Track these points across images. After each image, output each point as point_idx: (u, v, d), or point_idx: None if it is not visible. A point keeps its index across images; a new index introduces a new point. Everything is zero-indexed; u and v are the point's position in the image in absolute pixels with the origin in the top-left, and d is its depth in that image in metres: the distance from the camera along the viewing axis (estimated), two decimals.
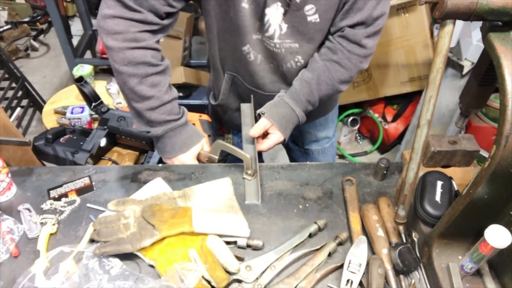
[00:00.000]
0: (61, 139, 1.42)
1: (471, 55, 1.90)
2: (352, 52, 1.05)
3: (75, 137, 1.44)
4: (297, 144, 1.47)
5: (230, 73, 1.19)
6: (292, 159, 1.56)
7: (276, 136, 1.09)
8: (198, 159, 1.11)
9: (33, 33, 3.69)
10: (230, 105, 1.29)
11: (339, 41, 1.05)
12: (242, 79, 1.17)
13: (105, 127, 1.42)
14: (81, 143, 1.41)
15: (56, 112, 1.97)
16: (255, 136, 1.06)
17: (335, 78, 1.08)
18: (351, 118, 2.62)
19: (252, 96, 1.20)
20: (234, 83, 1.21)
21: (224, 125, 1.47)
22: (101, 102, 1.45)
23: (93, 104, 1.42)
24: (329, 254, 0.87)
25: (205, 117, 1.49)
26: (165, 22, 0.95)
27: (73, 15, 3.79)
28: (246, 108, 1.21)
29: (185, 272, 0.79)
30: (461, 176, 0.91)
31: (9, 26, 3.36)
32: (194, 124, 1.38)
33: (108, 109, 1.44)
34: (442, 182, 0.84)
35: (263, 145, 1.09)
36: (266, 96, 1.16)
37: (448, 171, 0.88)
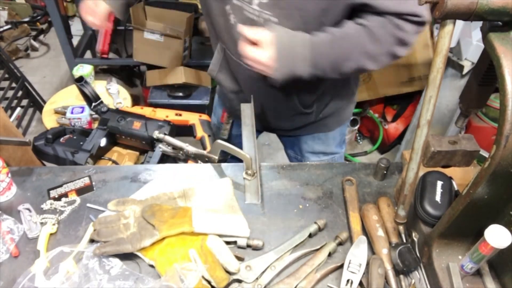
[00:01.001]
0: (61, 139, 1.41)
1: (471, 55, 1.90)
2: (386, 25, 0.89)
3: (75, 137, 1.44)
4: (294, 151, 1.45)
5: (222, 44, 1.16)
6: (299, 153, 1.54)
7: (265, 54, 0.90)
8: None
9: (33, 33, 3.69)
10: (223, 82, 1.25)
11: (371, 18, 0.91)
12: (229, 50, 1.12)
13: (105, 127, 1.41)
14: (81, 143, 1.40)
15: (56, 112, 1.97)
16: (245, 34, 0.92)
17: (363, 45, 0.92)
18: (351, 118, 2.62)
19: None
20: (225, 56, 1.17)
21: (225, 112, 1.45)
22: (101, 102, 1.45)
23: (93, 104, 1.42)
24: (329, 254, 0.87)
25: (205, 117, 1.48)
26: None
27: (73, 15, 3.78)
28: (246, 108, 1.21)
29: (185, 272, 0.79)
30: (461, 176, 0.91)
31: (9, 26, 3.35)
32: (194, 124, 1.38)
33: (108, 109, 1.43)
34: (442, 182, 0.84)
35: (248, 34, 0.92)
36: (254, 73, 1.00)
37: (448, 171, 0.88)
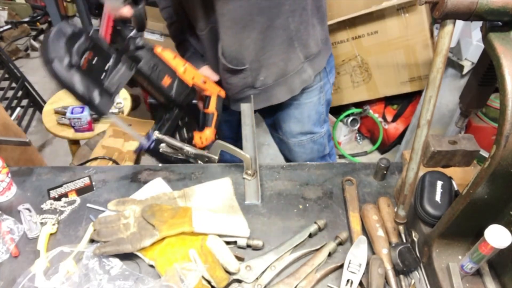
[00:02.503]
0: (82, 59, 0.98)
1: (471, 55, 1.90)
2: None
3: (94, 61, 1.03)
4: (276, 131, 1.47)
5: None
6: (279, 149, 1.58)
7: None
8: None
9: (33, 33, 3.69)
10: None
11: None
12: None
13: (134, 66, 1.10)
14: (102, 75, 1.03)
15: (56, 112, 1.98)
16: None
17: None
18: (351, 118, 2.62)
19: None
20: None
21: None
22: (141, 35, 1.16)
23: (133, 31, 1.09)
24: (329, 254, 0.87)
25: (222, 93, 1.33)
26: None
27: (73, 15, 3.78)
28: (246, 108, 1.21)
29: (185, 272, 0.79)
30: (461, 176, 0.91)
31: (9, 26, 3.36)
32: (210, 96, 1.27)
33: (144, 46, 1.11)
34: (442, 182, 0.84)
35: None
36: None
37: (448, 171, 0.88)
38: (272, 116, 1.41)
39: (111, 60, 1.01)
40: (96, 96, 0.93)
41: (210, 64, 1.27)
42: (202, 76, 1.18)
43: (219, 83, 1.27)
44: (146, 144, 1.13)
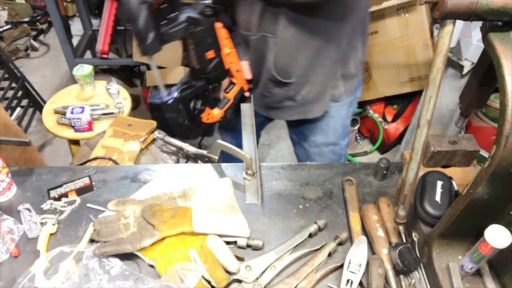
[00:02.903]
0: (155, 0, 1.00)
1: (471, 55, 1.90)
2: None
3: (162, 7, 1.01)
4: (298, 137, 1.48)
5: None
6: (296, 154, 1.57)
7: None
8: None
9: (33, 33, 3.69)
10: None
11: None
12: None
13: (192, 28, 1.09)
14: (163, 22, 1.04)
15: (56, 112, 1.97)
16: None
17: None
18: (351, 118, 2.62)
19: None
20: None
21: None
22: None
23: None
24: (329, 254, 0.87)
25: (246, 87, 1.32)
26: None
27: (73, 15, 3.79)
28: (246, 108, 1.21)
29: (185, 272, 0.79)
30: (461, 176, 0.91)
31: (9, 26, 3.35)
32: (235, 84, 1.28)
33: (209, 16, 1.11)
34: (442, 182, 0.84)
35: None
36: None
37: (448, 171, 0.88)
38: (298, 126, 1.42)
39: (176, 13, 1.06)
40: (150, 36, 0.99)
41: (251, 66, 1.28)
42: (239, 65, 1.21)
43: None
44: (165, 97, 1.16)
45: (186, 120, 1.17)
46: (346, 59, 1.21)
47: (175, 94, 1.14)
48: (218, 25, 1.13)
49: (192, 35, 1.11)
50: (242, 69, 1.26)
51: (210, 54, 1.15)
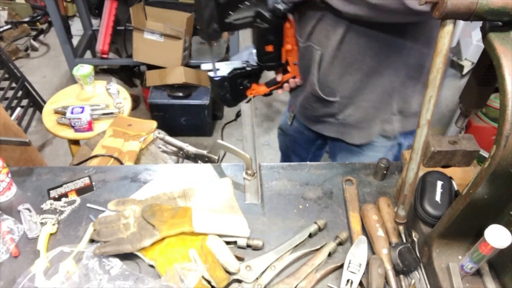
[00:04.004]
0: None
1: (471, 55, 1.91)
2: None
3: None
4: (322, 150, 1.43)
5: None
6: (332, 156, 1.46)
7: None
8: None
9: (33, 33, 3.69)
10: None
11: None
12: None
13: (258, 24, 1.07)
14: (230, 10, 1.03)
15: (56, 112, 1.98)
16: None
17: None
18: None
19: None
20: None
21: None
22: None
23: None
24: (329, 254, 0.87)
25: (298, 79, 1.25)
26: None
27: (73, 15, 3.78)
28: (246, 109, 1.21)
29: (185, 272, 0.79)
30: (461, 176, 0.91)
31: (9, 26, 3.35)
32: (289, 72, 1.24)
33: (278, 16, 1.06)
34: (442, 182, 0.84)
35: None
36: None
37: (448, 171, 0.88)
38: (332, 145, 1.33)
39: (246, 4, 1.03)
40: (213, 26, 1.00)
41: (300, 73, 1.21)
42: (296, 60, 1.19)
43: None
44: (212, 74, 1.17)
45: (227, 94, 1.18)
46: (406, 93, 1.09)
47: (225, 74, 1.15)
48: (287, 25, 1.10)
49: (257, 29, 1.09)
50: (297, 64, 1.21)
51: (269, 48, 1.13)
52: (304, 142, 1.46)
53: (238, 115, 2.92)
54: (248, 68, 1.17)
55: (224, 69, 1.16)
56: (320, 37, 1.05)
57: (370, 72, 1.05)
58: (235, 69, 1.16)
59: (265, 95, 1.28)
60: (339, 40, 1.02)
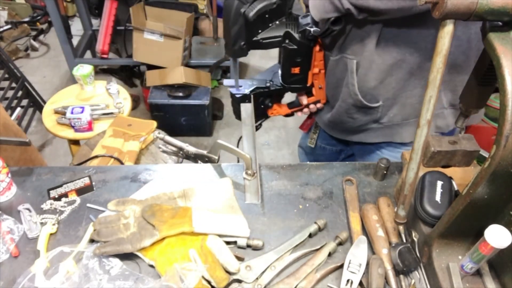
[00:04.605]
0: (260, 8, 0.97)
1: None
2: None
3: (267, 15, 0.98)
4: (342, 154, 1.41)
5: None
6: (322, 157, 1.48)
7: None
8: None
9: (33, 33, 3.69)
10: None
11: None
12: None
13: (286, 45, 1.04)
14: (260, 28, 1.01)
15: (56, 112, 1.98)
16: None
17: None
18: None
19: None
20: None
21: (310, 119, 1.38)
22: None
23: (314, 28, 1.01)
24: (329, 254, 0.87)
25: (320, 104, 1.26)
26: None
27: (73, 15, 3.79)
28: (246, 108, 1.21)
29: (185, 272, 0.79)
30: (461, 176, 0.91)
31: (9, 26, 3.36)
32: (314, 96, 1.22)
33: (309, 40, 1.04)
34: (442, 182, 0.84)
35: None
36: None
37: (448, 171, 0.88)
38: (360, 149, 1.30)
39: (276, 24, 1.01)
40: (241, 43, 0.99)
41: (328, 89, 1.19)
42: (323, 84, 1.17)
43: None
44: (234, 91, 1.15)
45: None
46: (453, 84, 1.06)
47: (246, 91, 1.14)
48: (316, 48, 1.08)
49: (284, 49, 1.07)
50: (324, 88, 1.19)
51: (295, 70, 1.11)
52: (327, 157, 1.46)
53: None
54: (272, 88, 1.15)
55: (246, 86, 1.15)
56: (353, 46, 1.02)
57: (412, 68, 1.02)
58: (257, 88, 1.14)
59: (286, 115, 1.27)
60: (375, 44, 0.99)
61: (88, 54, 3.21)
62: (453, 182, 0.86)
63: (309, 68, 1.11)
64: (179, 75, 2.54)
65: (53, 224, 0.93)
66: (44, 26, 3.82)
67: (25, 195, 1.02)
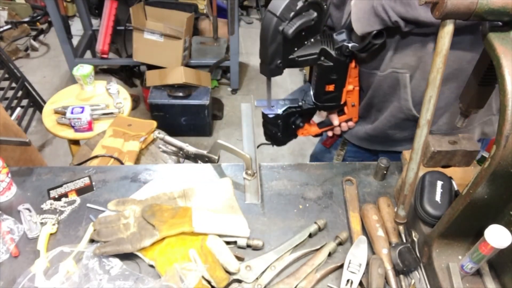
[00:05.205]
0: (297, 26, 0.90)
1: None
2: None
3: (303, 33, 0.95)
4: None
5: None
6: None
7: None
8: None
9: (33, 33, 3.69)
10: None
11: None
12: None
13: (322, 62, 1.01)
14: (296, 47, 0.98)
15: (56, 112, 1.98)
16: None
17: None
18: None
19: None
20: None
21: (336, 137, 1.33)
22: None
23: (352, 44, 0.99)
24: (329, 254, 0.87)
25: (351, 123, 1.24)
26: None
27: (73, 15, 3.79)
28: (246, 108, 1.21)
29: (185, 272, 0.79)
30: (461, 176, 0.91)
31: (9, 26, 3.36)
32: (345, 114, 1.20)
33: (346, 56, 1.01)
34: (442, 182, 0.84)
35: None
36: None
37: (448, 171, 0.88)
38: (390, 156, 1.22)
39: (311, 41, 0.99)
40: (278, 61, 0.95)
41: (370, 105, 1.15)
42: (356, 102, 1.15)
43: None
44: (266, 111, 1.12)
45: (279, 133, 1.14)
46: None
47: (279, 111, 1.11)
48: (352, 65, 1.06)
49: (319, 66, 1.03)
50: (358, 106, 1.16)
51: (330, 87, 1.08)
52: None
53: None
54: (304, 107, 1.13)
55: (278, 106, 1.12)
56: (406, 60, 0.98)
57: (466, 77, 0.96)
58: (289, 107, 1.12)
59: (315, 135, 1.24)
60: (431, 56, 0.95)
61: (88, 54, 3.21)
62: (453, 182, 0.86)
63: (344, 85, 1.09)
64: (179, 75, 2.54)
65: (53, 224, 0.93)
66: (44, 26, 3.82)
67: (25, 195, 1.02)
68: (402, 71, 1.00)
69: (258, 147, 1.16)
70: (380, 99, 1.10)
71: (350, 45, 0.97)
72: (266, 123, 1.14)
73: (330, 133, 1.25)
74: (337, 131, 1.22)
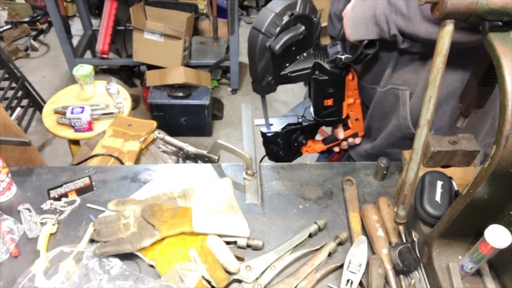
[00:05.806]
0: (285, 41, 0.88)
1: None
2: None
3: (294, 48, 0.93)
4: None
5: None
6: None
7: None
8: None
9: (33, 33, 3.69)
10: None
11: None
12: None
13: (317, 76, 0.98)
14: (288, 62, 0.96)
15: (56, 112, 1.98)
16: None
17: None
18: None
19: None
20: None
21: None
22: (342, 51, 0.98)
23: (346, 56, 0.96)
24: (329, 254, 0.87)
25: (358, 140, 1.21)
26: None
27: (73, 15, 3.79)
28: (246, 108, 1.21)
29: (185, 272, 0.79)
30: (461, 176, 0.91)
31: (9, 26, 3.36)
32: (350, 129, 1.18)
33: (342, 70, 0.99)
34: (442, 182, 0.84)
35: None
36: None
37: (448, 171, 0.88)
38: None
39: (304, 56, 0.97)
40: (269, 78, 0.93)
41: (371, 122, 1.14)
42: (360, 115, 1.13)
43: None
44: (265, 129, 1.10)
45: (280, 151, 1.12)
46: None
47: (278, 129, 1.08)
48: (349, 77, 1.03)
49: (315, 81, 1.00)
50: (362, 119, 1.14)
51: (328, 102, 1.05)
52: None
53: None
54: (304, 123, 1.10)
55: (277, 124, 1.09)
56: (406, 76, 0.97)
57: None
58: (289, 125, 1.09)
59: (321, 152, 1.22)
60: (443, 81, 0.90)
61: (88, 54, 3.21)
62: (453, 182, 0.86)
63: (343, 98, 1.06)
64: (179, 75, 2.54)
65: (53, 224, 0.93)
66: (44, 26, 3.82)
67: (25, 195, 1.02)
68: (402, 88, 0.99)
69: (261, 160, 1.14)
70: (380, 117, 1.09)
71: (343, 57, 0.94)
72: (267, 143, 1.12)
73: (337, 149, 1.22)
74: (344, 145, 1.20)
